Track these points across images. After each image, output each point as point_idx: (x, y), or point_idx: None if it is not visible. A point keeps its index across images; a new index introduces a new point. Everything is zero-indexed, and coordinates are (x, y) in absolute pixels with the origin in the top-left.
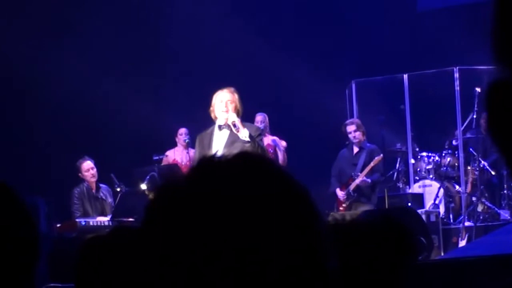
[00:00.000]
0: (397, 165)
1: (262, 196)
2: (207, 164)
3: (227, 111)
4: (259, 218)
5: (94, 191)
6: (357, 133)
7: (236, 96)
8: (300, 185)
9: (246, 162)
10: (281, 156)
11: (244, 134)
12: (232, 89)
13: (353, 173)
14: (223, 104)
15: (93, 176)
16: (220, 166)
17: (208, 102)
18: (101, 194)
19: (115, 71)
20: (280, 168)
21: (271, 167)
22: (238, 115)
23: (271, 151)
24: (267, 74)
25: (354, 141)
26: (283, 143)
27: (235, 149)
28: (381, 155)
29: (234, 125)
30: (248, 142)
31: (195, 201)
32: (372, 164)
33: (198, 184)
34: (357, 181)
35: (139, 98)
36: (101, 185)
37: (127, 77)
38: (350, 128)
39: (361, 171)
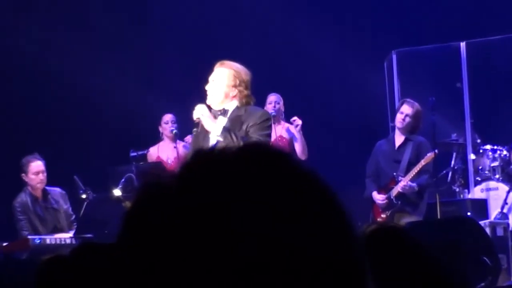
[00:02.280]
0: (452, 162)
1: (276, 202)
2: (203, 160)
3: (209, 94)
4: (273, 231)
5: (40, 199)
6: (408, 120)
7: (225, 71)
8: (327, 186)
9: (255, 157)
10: (299, 147)
11: (215, 130)
12: (223, 62)
13: (395, 173)
14: (209, 84)
15: (41, 182)
16: (220, 163)
17: (205, 82)
18: (52, 202)
19: (82, 39)
20: (300, 164)
21: (289, 163)
22: (238, 98)
23: (285, 142)
24: (281, 45)
25: (398, 125)
26: (297, 122)
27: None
28: (435, 151)
29: (197, 123)
30: (219, 140)
31: (187, 210)
32: (422, 163)
33: (191, 187)
34: (399, 186)
35: (115, 76)
36: (49, 189)
37: (100, 50)
38: (406, 108)
39: (406, 171)
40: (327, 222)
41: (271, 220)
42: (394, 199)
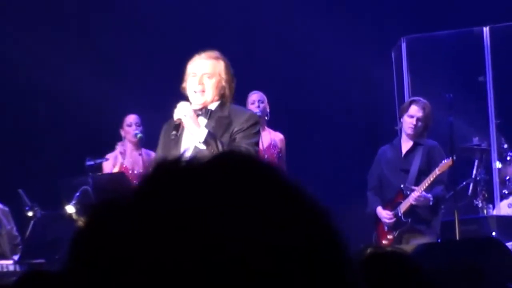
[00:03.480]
0: (474, 172)
1: (254, 222)
2: (169, 171)
3: (202, 91)
4: (248, 256)
5: None
6: (420, 124)
7: (221, 65)
8: (317, 204)
9: (232, 168)
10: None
11: (198, 135)
12: (215, 53)
13: (402, 186)
14: (197, 78)
15: None
16: (189, 174)
17: (180, 76)
18: None
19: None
20: (286, 177)
21: (273, 177)
22: (222, 97)
23: (276, 153)
24: (266, 31)
25: (408, 131)
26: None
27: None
28: (452, 157)
29: (178, 125)
30: (202, 148)
31: (149, 229)
32: (437, 172)
33: (154, 202)
34: (412, 198)
35: (68, 71)
36: None
37: (49, 40)
38: (416, 110)
39: (416, 182)
40: (310, 241)
41: (248, 243)
42: (402, 217)
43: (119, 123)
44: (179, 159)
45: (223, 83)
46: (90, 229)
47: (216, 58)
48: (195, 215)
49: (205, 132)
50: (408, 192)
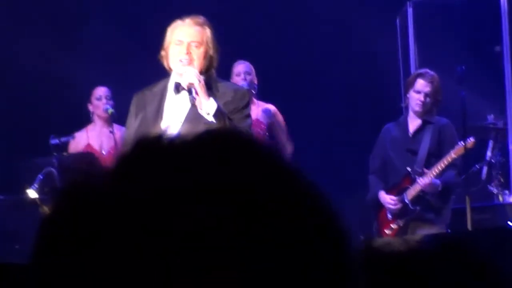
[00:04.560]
0: (489, 154)
1: (246, 207)
2: (150, 150)
3: (189, 61)
4: (234, 247)
5: None
6: (428, 100)
7: (208, 33)
8: (312, 185)
9: (220, 147)
10: (284, 135)
11: (208, 107)
12: (201, 19)
13: (410, 169)
14: (184, 46)
15: None
16: (174, 153)
17: (155, 44)
18: None
19: None
20: (279, 157)
21: (265, 157)
22: (208, 69)
23: (263, 129)
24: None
25: (416, 108)
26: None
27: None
28: (470, 138)
29: (190, 91)
30: (212, 122)
31: (130, 216)
32: (453, 155)
33: (133, 185)
34: (420, 184)
35: (27, 39)
36: None
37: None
38: (423, 85)
39: (426, 165)
40: (306, 230)
41: (241, 226)
42: (410, 204)
43: (87, 97)
44: (162, 136)
45: (211, 53)
46: (60, 216)
47: (203, 25)
48: (180, 200)
49: (215, 104)
50: (417, 176)
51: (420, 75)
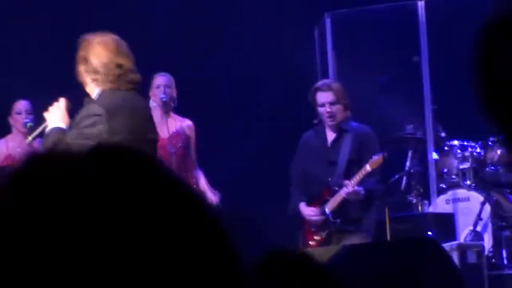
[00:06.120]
0: (408, 164)
1: (130, 224)
2: (37, 164)
3: None
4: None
5: None
6: (336, 108)
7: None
8: (204, 204)
9: (106, 160)
10: (194, 153)
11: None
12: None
13: (329, 180)
14: None
15: None
16: (59, 167)
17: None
18: None
19: None
20: (169, 172)
21: (155, 173)
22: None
23: (182, 141)
24: (174, 8)
25: (329, 122)
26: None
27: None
28: (383, 153)
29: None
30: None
31: (18, 229)
32: (368, 168)
33: (18, 199)
34: (344, 192)
35: None
36: None
37: None
38: (324, 96)
39: (345, 175)
40: (191, 247)
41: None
42: (330, 216)
43: (7, 111)
44: (51, 150)
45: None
46: None
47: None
48: (67, 217)
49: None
50: (337, 188)
51: (317, 89)
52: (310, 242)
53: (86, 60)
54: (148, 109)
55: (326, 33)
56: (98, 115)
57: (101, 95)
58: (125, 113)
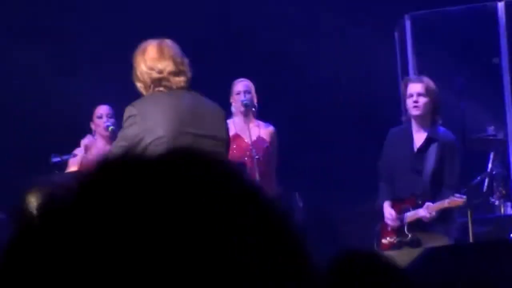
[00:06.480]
0: (489, 166)
1: (203, 229)
2: (114, 168)
3: None
4: (192, 267)
5: None
6: (423, 100)
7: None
8: (276, 208)
9: (187, 164)
10: (275, 160)
11: None
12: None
13: (415, 193)
14: None
15: None
16: (139, 170)
17: None
18: None
19: None
20: (247, 178)
21: (231, 178)
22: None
23: (264, 148)
24: (255, 13)
25: (413, 111)
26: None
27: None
28: (464, 197)
29: None
30: None
31: (93, 234)
32: (446, 204)
33: (96, 201)
34: (419, 213)
35: (26, 62)
36: None
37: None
38: (413, 87)
39: (430, 186)
40: (262, 251)
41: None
42: (406, 228)
43: (89, 116)
44: (126, 155)
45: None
46: (23, 237)
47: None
48: (143, 220)
49: None
50: (420, 202)
51: (408, 80)
52: (383, 241)
53: (134, 69)
54: (199, 107)
55: (406, 34)
56: (132, 116)
57: (141, 98)
58: (158, 111)
